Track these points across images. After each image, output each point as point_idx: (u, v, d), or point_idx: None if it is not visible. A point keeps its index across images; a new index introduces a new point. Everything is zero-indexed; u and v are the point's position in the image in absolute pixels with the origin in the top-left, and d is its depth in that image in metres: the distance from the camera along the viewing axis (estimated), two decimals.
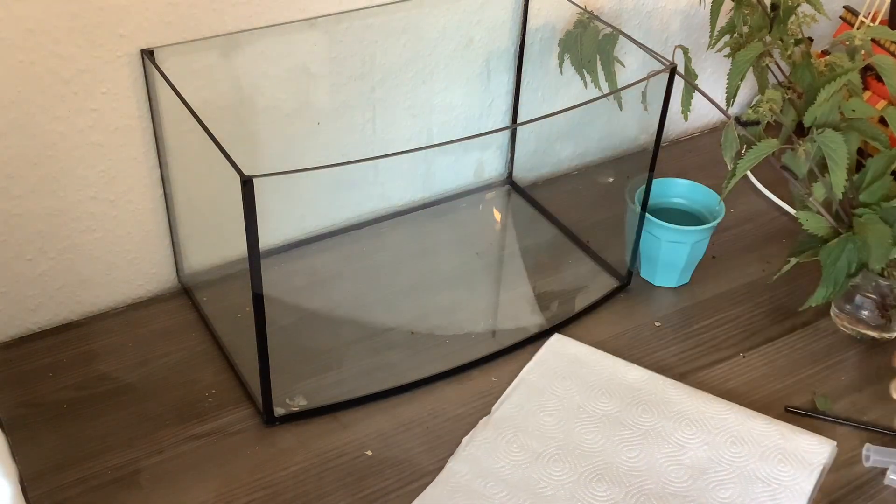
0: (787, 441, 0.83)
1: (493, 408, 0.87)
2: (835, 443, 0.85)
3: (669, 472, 0.81)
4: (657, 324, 1.00)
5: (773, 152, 0.89)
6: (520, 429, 0.85)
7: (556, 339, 0.94)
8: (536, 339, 0.96)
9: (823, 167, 0.89)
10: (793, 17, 0.95)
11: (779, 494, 0.79)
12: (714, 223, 1.02)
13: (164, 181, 0.96)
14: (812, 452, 0.83)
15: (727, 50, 0.99)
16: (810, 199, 0.93)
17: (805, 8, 0.96)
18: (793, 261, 0.95)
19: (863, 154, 1.02)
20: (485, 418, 0.86)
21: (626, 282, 1.05)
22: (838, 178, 0.86)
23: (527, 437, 0.84)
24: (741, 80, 0.94)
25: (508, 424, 0.85)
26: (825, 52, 1.12)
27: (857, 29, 1.18)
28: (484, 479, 0.80)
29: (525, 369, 0.91)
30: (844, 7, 1.28)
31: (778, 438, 0.83)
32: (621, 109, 1.00)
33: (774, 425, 0.85)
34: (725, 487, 0.80)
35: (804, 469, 0.81)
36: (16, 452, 0.60)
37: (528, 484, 0.79)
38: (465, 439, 0.84)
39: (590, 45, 1.00)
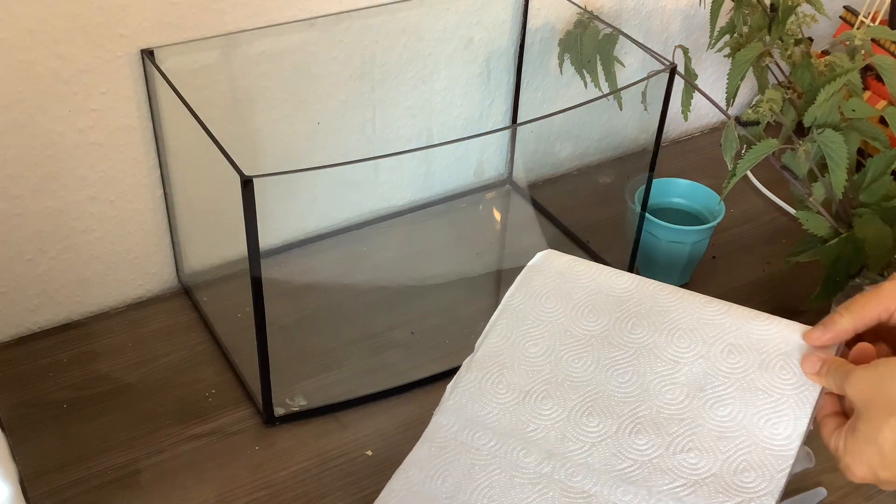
0: (789, 344, 0.73)
1: (477, 343, 0.81)
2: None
3: (664, 394, 0.74)
4: None
5: (773, 152, 0.89)
6: (505, 365, 0.79)
7: (541, 256, 0.85)
8: None
9: (823, 167, 0.89)
10: (792, 17, 0.95)
11: (781, 406, 0.70)
12: (714, 223, 1.02)
13: (164, 181, 0.96)
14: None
15: (727, 50, 0.99)
16: (810, 199, 0.93)
17: (805, 8, 0.96)
18: (792, 261, 0.95)
19: (863, 154, 1.02)
20: (468, 358, 0.80)
21: None
22: (838, 178, 0.86)
23: (513, 375, 0.78)
24: (741, 80, 0.94)
25: (493, 362, 0.79)
26: (825, 52, 1.12)
27: (857, 29, 1.18)
28: (471, 430, 0.76)
29: (508, 294, 0.83)
30: (844, 7, 1.28)
31: (779, 342, 0.74)
32: (621, 109, 1.00)
33: (775, 326, 0.75)
34: (724, 404, 0.72)
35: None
36: (16, 452, 0.60)
37: (516, 428, 0.75)
38: (448, 386, 0.78)
39: (590, 45, 1.00)
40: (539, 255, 0.86)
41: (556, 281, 0.83)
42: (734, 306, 0.78)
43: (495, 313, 0.82)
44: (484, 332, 0.81)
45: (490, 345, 0.81)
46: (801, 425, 0.69)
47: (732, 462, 0.68)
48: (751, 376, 0.73)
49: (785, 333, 0.74)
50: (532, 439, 0.74)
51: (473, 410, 0.76)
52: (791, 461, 0.67)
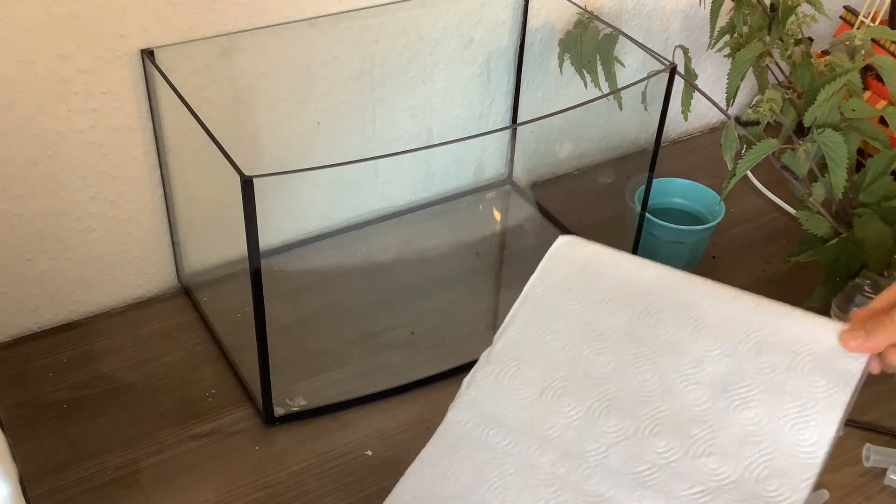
0: (821, 344, 0.69)
1: (496, 336, 0.78)
2: None
3: (686, 394, 0.69)
4: None
5: (773, 152, 0.89)
6: (523, 360, 0.75)
7: (563, 242, 0.81)
8: None
9: (823, 167, 0.89)
10: (792, 17, 0.95)
11: (808, 410, 0.66)
12: (714, 223, 1.02)
13: (164, 181, 0.96)
14: (848, 357, 0.68)
15: (727, 50, 0.99)
16: (810, 199, 0.93)
17: (805, 8, 0.96)
18: (792, 261, 0.95)
19: (863, 154, 1.02)
20: (486, 351, 0.77)
21: None
22: (838, 178, 0.86)
23: (531, 370, 0.75)
24: (741, 80, 0.94)
25: (511, 355, 0.76)
26: (825, 52, 1.12)
27: (857, 29, 1.18)
28: (486, 427, 0.73)
29: (529, 284, 0.79)
30: (844, 7, 1.28)
31: (811, 342, 0.69)
32: (621, 109, 1.00)
33: (808, 324, 0.70)
34: (749, 407, 0.67)
35: (839, 379, 0.67)
36: (16, 452, 0.60)
37: (533, 426, 0.72)
38: (465, 380, 0.75)
39: (590, 45, 1.00)
40: (561, 239, 0.82)
41: (580, 273, 0.79)
42: (765, 301, 0.74)
43: (516, 303, 0.79)
44: (503, 323, 0.78)
45: (509, 337, 0.77)
46: (830, 431, 0.65)
47: (755, 469, 0.64)
48: (778, 378, 0.68)
49: (817, 333, 0.70)
50: (548, 438, 0.71)
51: (489, 407, 0.74)
52: (818, 469, 0.63)
